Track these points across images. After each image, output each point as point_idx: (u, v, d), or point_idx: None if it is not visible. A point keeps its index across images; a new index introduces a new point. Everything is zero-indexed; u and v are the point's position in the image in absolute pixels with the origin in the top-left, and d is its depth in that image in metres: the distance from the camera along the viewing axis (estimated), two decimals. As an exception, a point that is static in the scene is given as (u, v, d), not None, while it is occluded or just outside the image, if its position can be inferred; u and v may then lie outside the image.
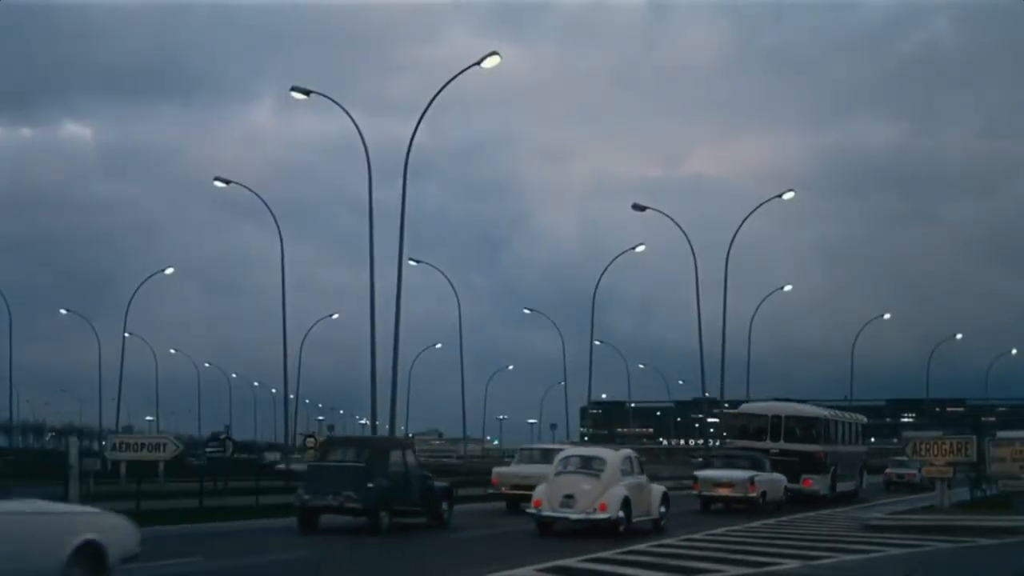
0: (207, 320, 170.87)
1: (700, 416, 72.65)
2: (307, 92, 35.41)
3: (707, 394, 55.09)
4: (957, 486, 29.19)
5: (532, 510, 20.68)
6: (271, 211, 48.03)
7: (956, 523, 22.46)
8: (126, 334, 71.55)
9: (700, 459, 33.33)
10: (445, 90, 33.79)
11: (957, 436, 30.12)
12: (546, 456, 26.59)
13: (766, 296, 63.50)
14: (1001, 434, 34.14)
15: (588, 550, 16.74)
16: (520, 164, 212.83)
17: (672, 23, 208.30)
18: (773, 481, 29.96)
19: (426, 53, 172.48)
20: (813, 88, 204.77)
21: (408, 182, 35.11)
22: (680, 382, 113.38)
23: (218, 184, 46.58)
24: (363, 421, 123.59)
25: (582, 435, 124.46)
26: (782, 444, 34.30)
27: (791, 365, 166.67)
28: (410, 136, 34.84)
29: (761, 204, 50.35)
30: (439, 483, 23.82)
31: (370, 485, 20.25)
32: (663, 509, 22.31)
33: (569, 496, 20.14)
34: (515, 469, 28.59)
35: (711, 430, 67.86)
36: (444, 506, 22.75)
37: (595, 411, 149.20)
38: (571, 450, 23.61)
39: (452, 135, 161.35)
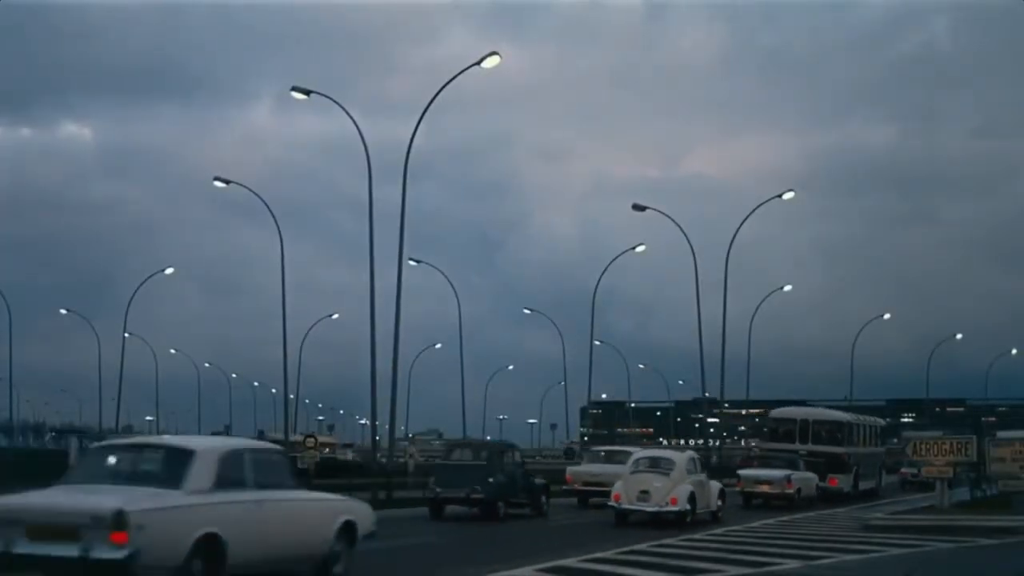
0: (207, 320, 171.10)
1: (700, 416, 72.64)
2: (307, 92, 35.39)
3: (707, 394, 55.09)
4: (957, 485, 29.50)
5: (612, 503, 24.01)
6: (271, 211, 48.04)
7: (956, 523, 22.46)
8: (126, 334, 71.55)
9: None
10: (444, 90, 33.78)
11: (957, 436, 30.14)
12: (610, 457, 30.82)
13: (766, 296, 63.57)
14: (1001, 434, 34.15)
15: (657, 537, 19.86)
16: (519, 164, 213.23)
17: (670, 24, 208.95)
18: (806, 479, 33.07)
19: (425, 54, 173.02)
20: (812, 88, 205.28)
21: (407, 182, 35.18)
22: (680, 382, 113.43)
23: (218, 184, 46.57)
24: (363, 421, 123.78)
25: (582, 435, 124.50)
26: (810, 446, 37.24)
27: (791, 365, 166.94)
28: (408, 136, 34.81)
29: (761, 204, 50.39)
30: (538, 480, 27.43)
31: (491, 480, 24.44)
32: (720, 502, 25.91)
33: (644, 492, 23.54)
34: (585, 468, 31.50)
35: (711, 430, 67.90)
36: (543, 499, 26.77)
37: (595, 411, 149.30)
38: (642, 452, 27.33)
39: (451, 135, 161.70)
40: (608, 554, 16.41)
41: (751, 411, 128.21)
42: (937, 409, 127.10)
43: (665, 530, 21.59)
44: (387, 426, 36.98)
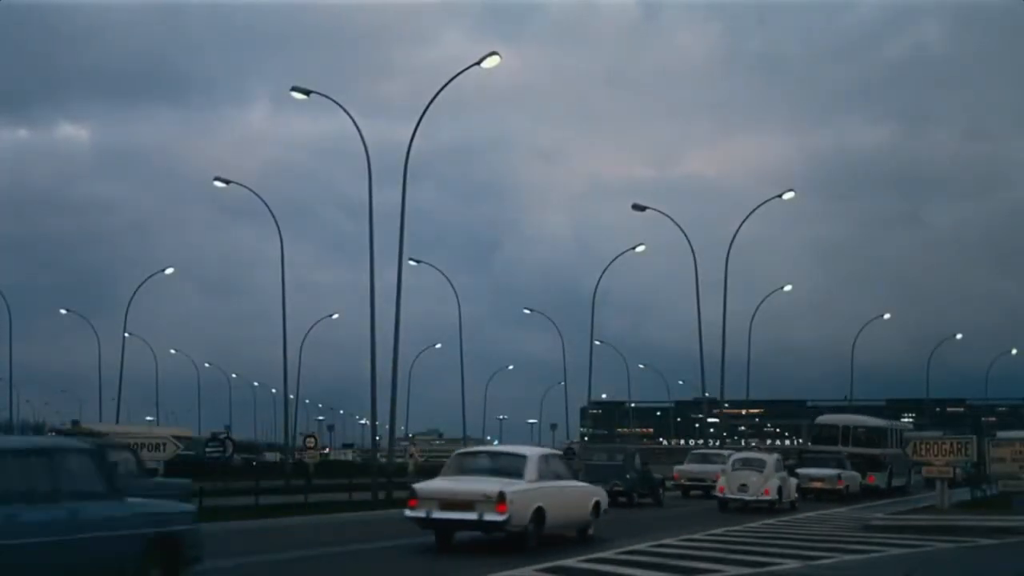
0: (207, 320, 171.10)
1: (700, 416, 72.62)
2: (307, 92, 35.43)
3: (707, 394, 55.10)
4: (958, 486, 29.87)
5: (718, 494, 30.27)
6: (271, 211, 48.07)
7: (956, 523, 22.46)
8: (126, 334, 71.50)
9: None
10: (440, 91, 33.83)
11: (957, 436, 30.15)
12: (706, 458, 38.29)
13: (766, 296, 63.49)
14: (1001, 434, 34.18)
15: (756, 519, 25.30)
16: (514, 165, 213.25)
17: (664, 25, 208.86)
18: (853, 477, 38.74)
19: (420, 55, 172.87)
20: (806, 89, 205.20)
21: (404, 183, 35.23)
22: (680, 382, 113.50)
23: (218, 184, 46.57)
24: (363, 421, 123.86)
25: (582, 435, 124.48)
26: (850, 448, 43.05)
27: (790, 365, 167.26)
28: (404, 137, 35.21)
29: (762, 204, 50.42)
30: (656, 476, 33.58)
31: (628, 476, 30.97)
32: (796, 495, 31.83)
33: (743, 485, 29.68)
34: (688, 467, 38.46)
35: (711, 430, 67.82)
36: (660, 491, 33.11)
37: (595, 411, 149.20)
38: (739, 454, 33.81)
39: (446, 136, 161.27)
40: (608, 554, 16.43)
41: (751, 411, 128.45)
42: (937, 409, 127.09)
43: (757, 515, 26.99)
44: (387, 426, 36.98)
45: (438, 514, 16.76)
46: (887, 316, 78.29)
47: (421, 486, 17.68)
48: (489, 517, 16.44)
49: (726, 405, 57.90)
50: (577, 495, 19.21)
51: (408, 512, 17.19)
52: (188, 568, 11.18)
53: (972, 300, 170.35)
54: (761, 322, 61.76)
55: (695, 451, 43.37)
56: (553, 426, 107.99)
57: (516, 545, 16.90)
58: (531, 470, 17.61)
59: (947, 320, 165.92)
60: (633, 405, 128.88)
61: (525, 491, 17.01)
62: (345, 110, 36.06)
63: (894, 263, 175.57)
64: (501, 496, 16.43)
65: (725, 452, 37.91)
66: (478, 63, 32.47)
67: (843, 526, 24.11)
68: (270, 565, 15.58)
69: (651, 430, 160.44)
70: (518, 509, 16.64)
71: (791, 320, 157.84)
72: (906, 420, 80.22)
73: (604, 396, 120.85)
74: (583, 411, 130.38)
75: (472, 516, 16.58)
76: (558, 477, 18.58)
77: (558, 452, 21.64)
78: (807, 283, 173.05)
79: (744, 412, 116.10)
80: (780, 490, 30.02)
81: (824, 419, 48.70)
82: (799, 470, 37.19)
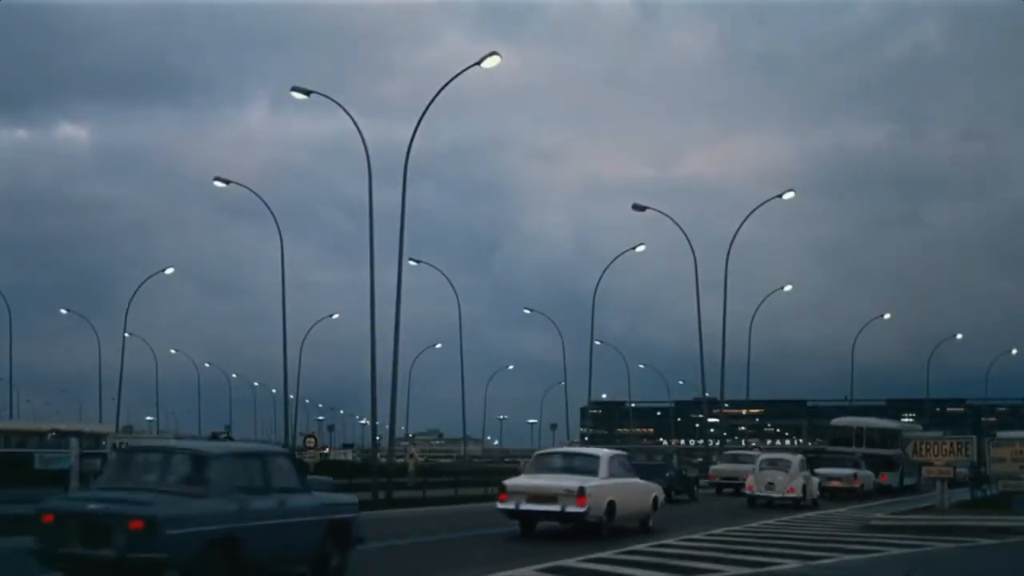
0: (207, 320, 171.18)
1: (700, 416, 72.61)
2: (308, 92, 35.42)
3: (707, 394, 55.12)
4: (962, 485, 30.15)
5: (747, 491, 32.86)
6: (271, 212, 48.11)
7: (956, 523, 22.47)
8: (126, 334, 71.58)
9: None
10: (440, 91, 33.84)
11: (957, 436, 30.11)
12: (737, 459, 41.57)
13: (766, 296, 63.57)
14: (1001, 434, 34.16)
15: (777, 515, 27.97)
16: (513, 165, 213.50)
17: (663, 25, 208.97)
18: (867, 476, 41.25)
19: (418, 55, 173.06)
20: (804, 89, 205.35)
21: (401, 183, 35.24)
22: (680, 382, 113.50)
23: (218, 184, 46.60)
24: (363, 421, 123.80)
25: (582, 435, 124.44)
26: (864, 449, 46.04)
27: (790, 365, 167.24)
28: (403, 137, 35.21)
29: (762, 204, 50.47)
30: (691, 474, 37.22)
31: (667, 475, 31.95)
32: (817, 493, 34.10)
33: (770, 483, 32.27)
34: (721, 467, 41.71)
35: (711, 430, 67.85)
36: (695, 488, 35.91)
37: (595, 411, 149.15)
38: (766, 455, 36.00)
39: (445, 137, 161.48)
40: (608, 554, 16.41)
41: (751, 411, 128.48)
42: (937, 409, 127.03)
43: (782, 511, 29.76)
44: (387, 426, 36.97)
45: (525, 506, 19.43)
46: (887, 316, 78.41)
47: (511, 482, 20.29)
48: (571, 509, 19.08)
49: (726, 405, 57.95)
50: (640, 491, 21.96)
51: (499, 504, 19.87)
52: (353, 547, 13.52)
53: (972, 300, 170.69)
54: (761, 322, 61.95)
55: (727, 452, 46.73)
56: (553, 426, 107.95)
57: (592, 533, 19.31)
58: (603, 469, 20.30)
59: (947, 320, 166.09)
60: (633, 405, 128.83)
61: (600, 487, 19.69)
62: (345, 110, 36.09)
63: (894, 263, 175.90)
64: (581, 491, 19.07)
65: (753, 453, 41.15)
66: (478, 63, 32.44)
67: (843, 526, 24.11)
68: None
69: (651, 430, 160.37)
70: (595, 502, 19.30)
71: (791, 320, 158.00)
72: (907, 420, 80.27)
73: (604, 396, 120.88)
74: (583, 411, 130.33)
75: (556, 508, 19.21)
76: (625, 475, 21.26)
77: (623, 453, 23.35)
78: (807, 283, 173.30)
79: (744, 412, 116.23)
80: (804, 488, 32.49)
81: (839, 421, 52.43)
82: (818, 469, 38.51)
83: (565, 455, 22.41)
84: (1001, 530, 21.39)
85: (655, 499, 22.45)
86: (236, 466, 11.99)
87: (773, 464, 33.23)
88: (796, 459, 33.87)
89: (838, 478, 39.22)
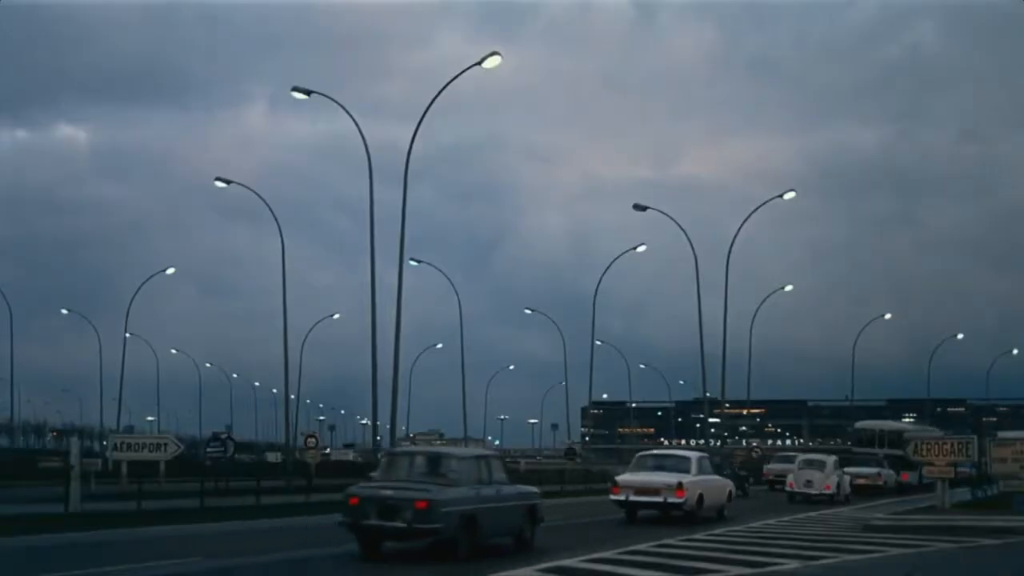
0: (207, 320, 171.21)
1: (701, 416, 72.60)
2: (308, 92, 35.43)
3: (708, 394, 55.10)
4: (964, 484, 30.21)
5: (788, 489, 36.82)
6: (272, 212, 48.08)
7: (956, 523, 22.44)
8: (127, 334, 71.55)
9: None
10: (440, 92, 33.83)
11: (958, 436, 30.14)
12: (787, 459, 46.04)
13: (767, 296, 63.54)
14: (1001, 434, 34.19)
15: (816, 508, 31.75)
16: (510, 167, 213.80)
17: (659, 26, 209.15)
18: (890, 474, 45.05)
19: (416, 57, 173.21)
20: (801, 91, 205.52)
21: (399, 184, 35.27)
22: (681, 382, 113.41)
23: (218, 184, 46.58)
24: (364, 421, 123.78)
25: (583, 435, 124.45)
26: (887, 450, 49.29)
27: (790, 365, 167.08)
28: (401, 138, 35.36)
29: (763, 204, 50.42)
30: (743, 473, 43.34)
31: (725, 473, 33.43)
32: (849, 489, 38.18)
33: (809, 481, 36.22)
34: (773, 467, 47.97)
35: (712, 430, 67.80)
36: (747, 485, 40.90)
37: (596, 411, 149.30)
38: (804, 456, 40.42)
39: (442, 138, 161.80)
40: (608, 554, 16.40)
41: (752, 411, 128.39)
42: (938, 409, 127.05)
43: (817, 506, 33.10)
44: (388, 426, 36.95)
45: (634, 498, 24.20)
46: (887, 316, 78.40)
47: (621, 478, 24.95)
48: (671, 500, 23.81)
49: (727, 405, 57.90)
50: (719, 485, 26.78)
51: (612, 496, 24.82)
52: (539, 525, 18.28)
53: (972, 300, 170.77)
54: (761, 322, 61.87)
55: (780, 454, 53.55)
56: (554, 426, 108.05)
57: (688, 520, 23.78)
58: (694, 467, 24.94)
59: (947, 320, 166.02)
60: (634, 405, 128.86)
61: (693, 482, 24.29)
62: (346, 110, 36.10)
63: (893, 263, 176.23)
64: (680, 485, 23.81)
65: (794, 454, 46.31)
66: (479, 63, 32.41)
67: (843, 526, 24.10)
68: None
69: (652, 430, 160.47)
70: (690, 494, 23.90)
71: (791, 320, 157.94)
72: (907, 420, 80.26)
73: (605, 396, 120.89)
74: (584, 411, 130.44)
75: (659, 499, 23.95)
76: (709, 473, 26.13)
77: (707, 455, 28.60)
78: (807, 284, 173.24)
79: (745, 412, 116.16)
80: (838, 485, 36.51)
81: (863, 424, 58.55)
82: (845, 468, 41.21)
83: (662, 456, 26.91)
84: (1002, 530, 21.36)
85: (729, 492, 27.57)
86: (472, 465, 16.72)
87: (810, 464, 37.13)
88: (831, 460, 37.72)
89: (864, 476, 42.85)
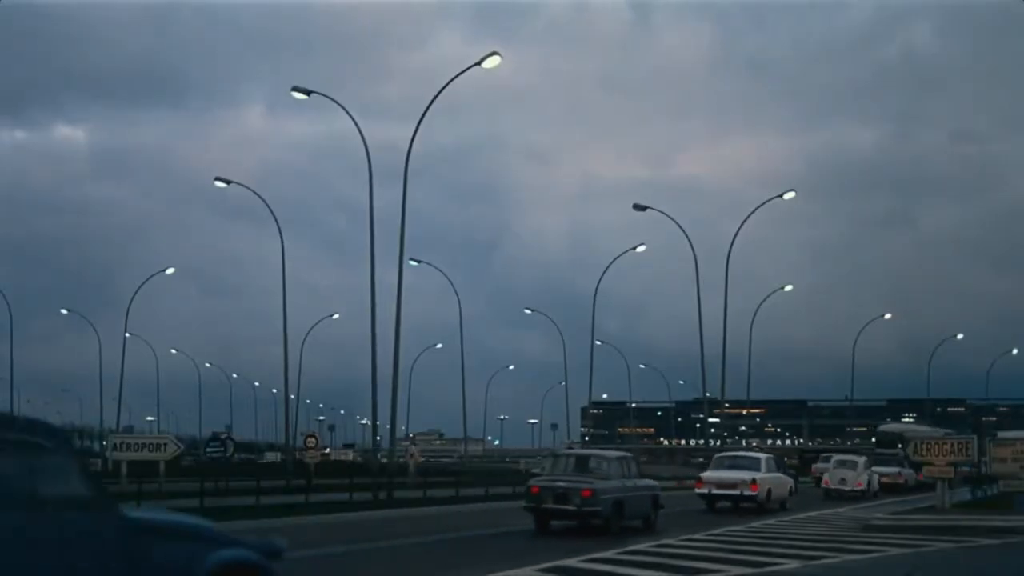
0: (207, 320, 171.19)
1: (701, 416, 72.58)
2: (308, 92, 35.44)
3: (708, 394, 55.08)
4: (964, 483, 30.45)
5: (823, 487, 40.96)
6: (272, 212, 48.10)
7: (956, 523, 22.43)
8: (127, 334, 71.57)
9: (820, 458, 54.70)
10: (440, 92, 33.83)
11: (958, 436, 30.13)
12: (826, 460, 48.16)
13: (767, 296, 63.52)
14: (1002, 434, 34.18)
15: (837, 505, 33.89)
16: (509, 167, 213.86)
17: (657, 26, 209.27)
18: (910, 473, 46.82)
19: (414, 58, 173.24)
20: (798, 91, 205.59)
21: (398, 184, 35.28)
22: (680, 382, 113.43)
23: (218, 184, 46.61)
24: (364, 421, 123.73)
25: (583, 435, 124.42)
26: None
27: (790, 365, 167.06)
28: (399, 138, 35.67)
29: (763, 204, 50.43)
30: (791, 472, 42.06)
31: (790, 472, 36.06)
32: (878, 487, 41.86)
33: (843, 479, 40.01)
34: (820, 465, 50.49)
35: (712, 430, 67.78)
36: (794, 483, 41.26)
37: (596, 411, 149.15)
38: (838, 456, 44.20)
39: (441, 138, 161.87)
40: (608, 554, 16.40)
41: (752, 411, 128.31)
42: (938, 409, 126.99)
43: (850, 502, 36.08)
44: (388, 426, 36.94)
45: (716, 491, 29.03)
46: (887, 316, 78.38)
47: (706, 475, 29.94)
48: (746, 493, 28.65)
49: (727, 405, 57.87)
50: (783, 481, 30.99)
51: (697, 490, 29.76)
52: (659, 511, 23.44)
53: (972, 300, 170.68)
54: (761, 322, 61.85)
55: (824, 456, 54.72)
56: (554, 426, 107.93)
57: (759, 511, 28.05)
58: (764, 466, 29.81)
59: (947, 320, 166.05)
60: (634, 405, 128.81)
61: (763, 478, 29.04)
62: (346, 110, 36.13)
63: (893, 263, 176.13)
64: (754, 480, 28.65)
65: (828, 454, 50.68)
66: (479, 63, 32.41)
67: (844, 526, 24.08)
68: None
69: (652, 430, 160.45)
70: (762, 489, 28.69)
71: (791, 320, 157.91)
72: (907, 420, 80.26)
73: (605, 396, 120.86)
74: (584, 411, 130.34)
75: (736, 492, 28.75)
76: (775, 470, 30.62)
77: (772, 455, 32.98)
78: (806, 284, 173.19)
79: (744, 412, 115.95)
80: (868, 482, 40.10)
81: (885, 427, 64.75)
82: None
83: (736, 457, 31.78)
84: (1002, 530, 21.36)
85: (790, 488, 31.53)
86: (617, 463, 22.09)
87: (843, 464, 41.21)
88: (862, 460, 41.72)
89: (887, 475, 45.97)
